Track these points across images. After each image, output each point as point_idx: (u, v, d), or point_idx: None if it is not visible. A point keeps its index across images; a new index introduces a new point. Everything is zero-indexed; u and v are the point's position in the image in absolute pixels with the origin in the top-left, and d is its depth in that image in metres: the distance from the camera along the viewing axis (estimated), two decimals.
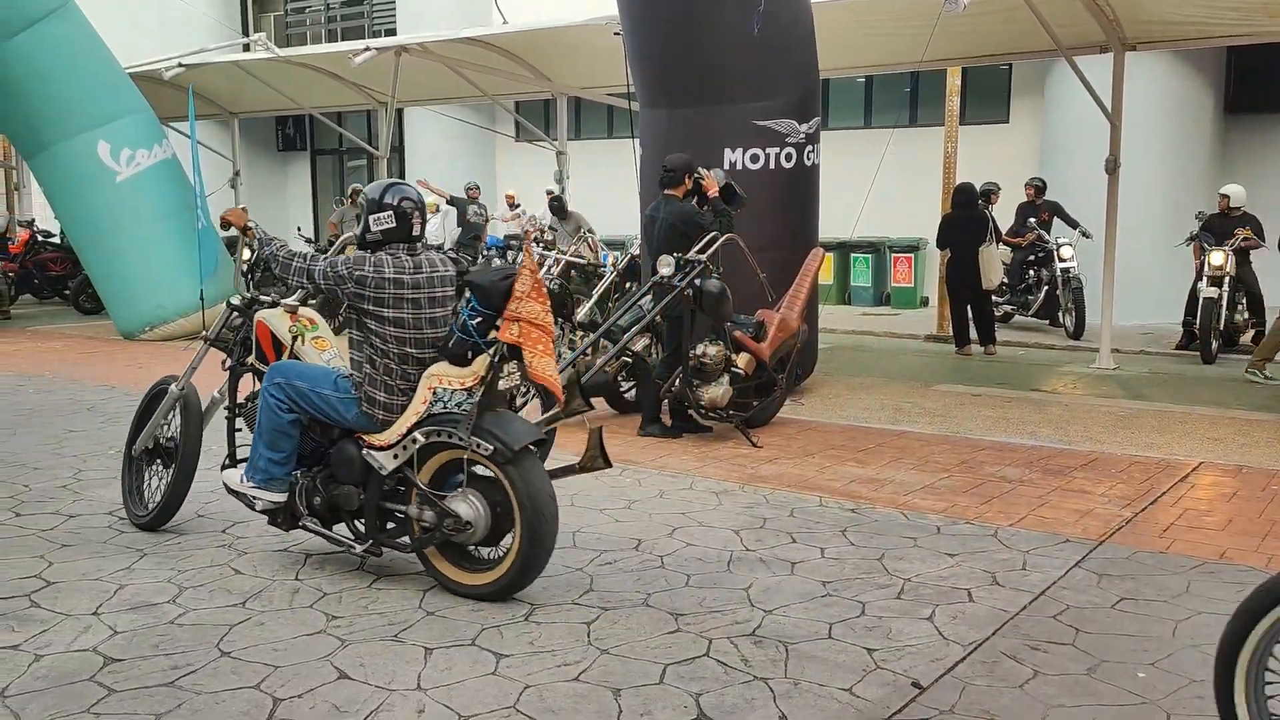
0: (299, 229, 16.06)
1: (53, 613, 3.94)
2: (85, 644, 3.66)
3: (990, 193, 11.98)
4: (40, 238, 15.41)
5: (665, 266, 6.55)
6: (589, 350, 7.08)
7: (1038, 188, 12.51)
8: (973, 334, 10.87)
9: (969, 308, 10.78)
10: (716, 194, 7.02)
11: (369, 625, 3.85)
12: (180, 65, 13.63)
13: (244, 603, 4.05)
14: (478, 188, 15.75)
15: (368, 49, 11.41)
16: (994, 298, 12.81)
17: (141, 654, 3.58)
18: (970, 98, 14.68)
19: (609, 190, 15.49)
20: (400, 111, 18.03)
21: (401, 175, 19.59)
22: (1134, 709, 3.18)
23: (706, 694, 3.29)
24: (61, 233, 14.11)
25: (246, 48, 15.25)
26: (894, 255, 14.91)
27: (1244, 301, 10.59)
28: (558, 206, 13.06)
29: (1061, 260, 11.84)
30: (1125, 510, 5.22)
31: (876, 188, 13.26)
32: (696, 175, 6.99)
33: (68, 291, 14.85)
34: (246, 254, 14.29)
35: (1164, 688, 3.31)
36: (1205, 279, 10.22)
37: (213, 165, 16.85)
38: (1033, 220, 12.28)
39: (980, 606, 4.00)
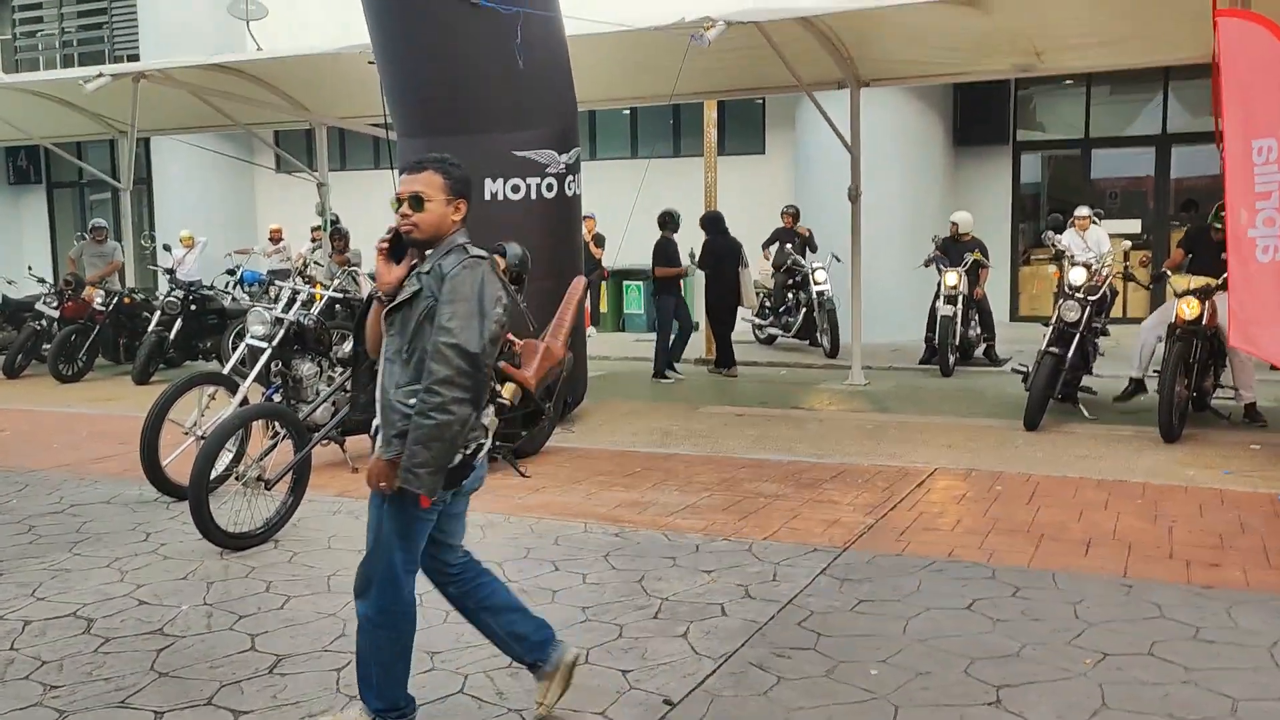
0: (29, 268, 14.78)
1: None
2: None
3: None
4: None
5: None
6: (347, 385, 6.86)
7: (793, 215, 13.18)
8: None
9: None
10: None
11: (93, 693, 3.55)
12: None
13: None
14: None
15: (100, 75, 10.70)
16: (756, 319, 13.44)
17: None
18: (729, 129, 15.37)
19: (374, 221, 15.12)
20: (147, 141, 17.01)
21: (150, 209, 18.47)
22: (866, 705, 3.36)
23: None
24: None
25: None
26: None
27: (977, 318, 11.51)
28: (341, 236, 12.63)
29: (816, 284, 12.51)
30: (868, 517, 5.54)
31: (647, 216, 13.66)
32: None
33: None
34: None
35: (893, 682, 3.51)
36: (941, 298, 11.05)
37: None
38: (790, 245, 12.92)
39: (732, 620, 4.13)
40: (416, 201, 3.06)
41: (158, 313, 11.55)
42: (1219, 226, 8.13)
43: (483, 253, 3.08)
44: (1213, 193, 8.33)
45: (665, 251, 10.87)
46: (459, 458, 3.09)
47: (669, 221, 11.03)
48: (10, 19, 20.31)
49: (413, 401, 2.97)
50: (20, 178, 20.71)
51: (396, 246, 3.15)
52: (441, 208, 3.09)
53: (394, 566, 3.10)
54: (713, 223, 11.25)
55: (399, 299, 3.08)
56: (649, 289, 15.34)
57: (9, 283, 14.01)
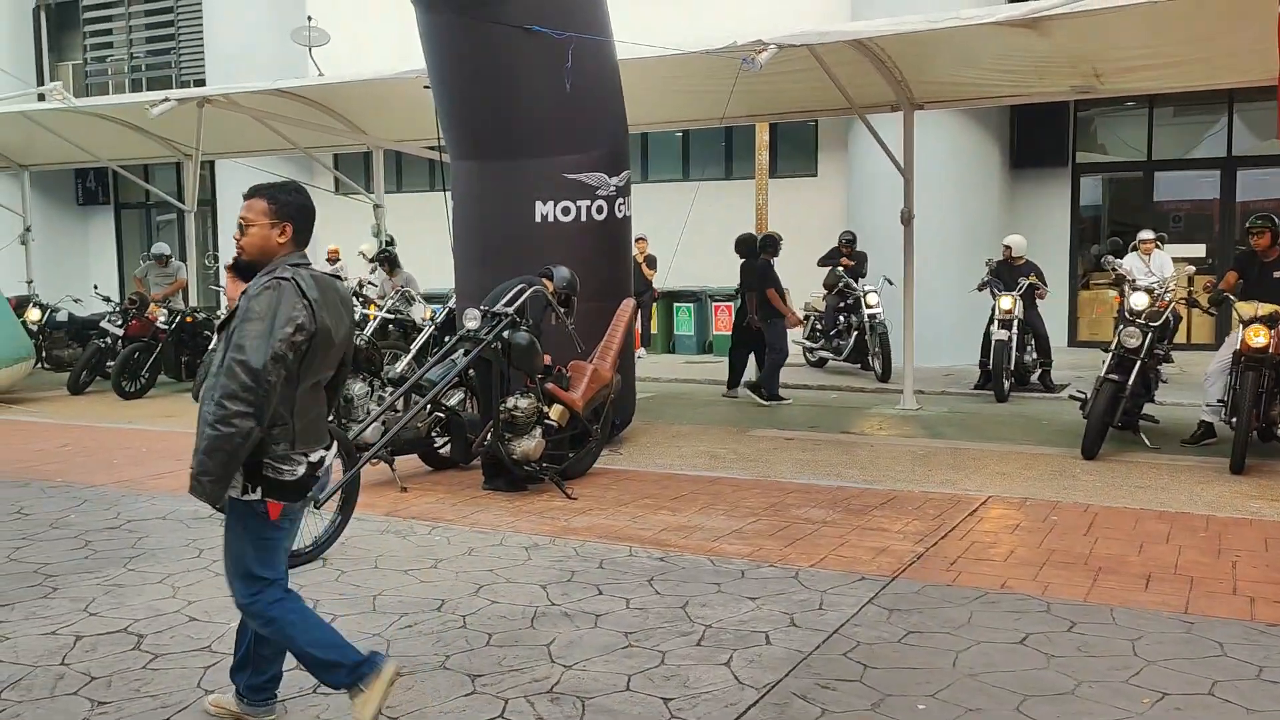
0: (95, 287, 15.16)
1: None
2: None
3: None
4: None
5: (471, 320, 6.49)
6: (398, 404, 6.92)
7: (849, 241, 13.05)
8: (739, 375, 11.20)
9: (755, 350, 11.12)
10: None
11: (140, 709, 3.59)
12: None
13: None
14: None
15: (166, 99, 10.97)
16: (808, 342, 13.34)
17: None
18: (781, 151, 15.33)
19: (429, 242, 15.31)
20: (212, 164, 17.39)
21: (214, 230, 18.85)
22: None
23: None
24: None
25: (41, 97, 14.42)
26: (715, 304, 15.27)
27: (1033, 343, 11.30)
28: (389, 259, 12.80)
29: (868, 307, 12.38)
30: (918, 546, 5.43)
31: (699, 238, 13.67)
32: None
33: None
34: (36, 314, 13.40)
35: (942, 719, 3.42)
36: (996, 322, 10.87)
37: (1, 220, 15.85)
38: (840, 269, 12.81)
39: (776, 648, 4.06)
40: (241, 227, 3.31)
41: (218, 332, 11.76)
42: (1255, 232, 7.99)
43: (288, 275, 3.19)
44: None
45: (772, 274, 10.77)
46: (302, 469, 3.25)
47: (768, 244, 10.97)
48: (82, 44, 20.95)
49: None
50: (89, 199, 21.28)
51: (239, 267, 3.39)
52: (264, 231, 3.29)
53: (253, 575, 3.26)
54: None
55: (224, 317, 3.32)
56: (699, 310, 15.36)
57: (75, 301, 14.39)
